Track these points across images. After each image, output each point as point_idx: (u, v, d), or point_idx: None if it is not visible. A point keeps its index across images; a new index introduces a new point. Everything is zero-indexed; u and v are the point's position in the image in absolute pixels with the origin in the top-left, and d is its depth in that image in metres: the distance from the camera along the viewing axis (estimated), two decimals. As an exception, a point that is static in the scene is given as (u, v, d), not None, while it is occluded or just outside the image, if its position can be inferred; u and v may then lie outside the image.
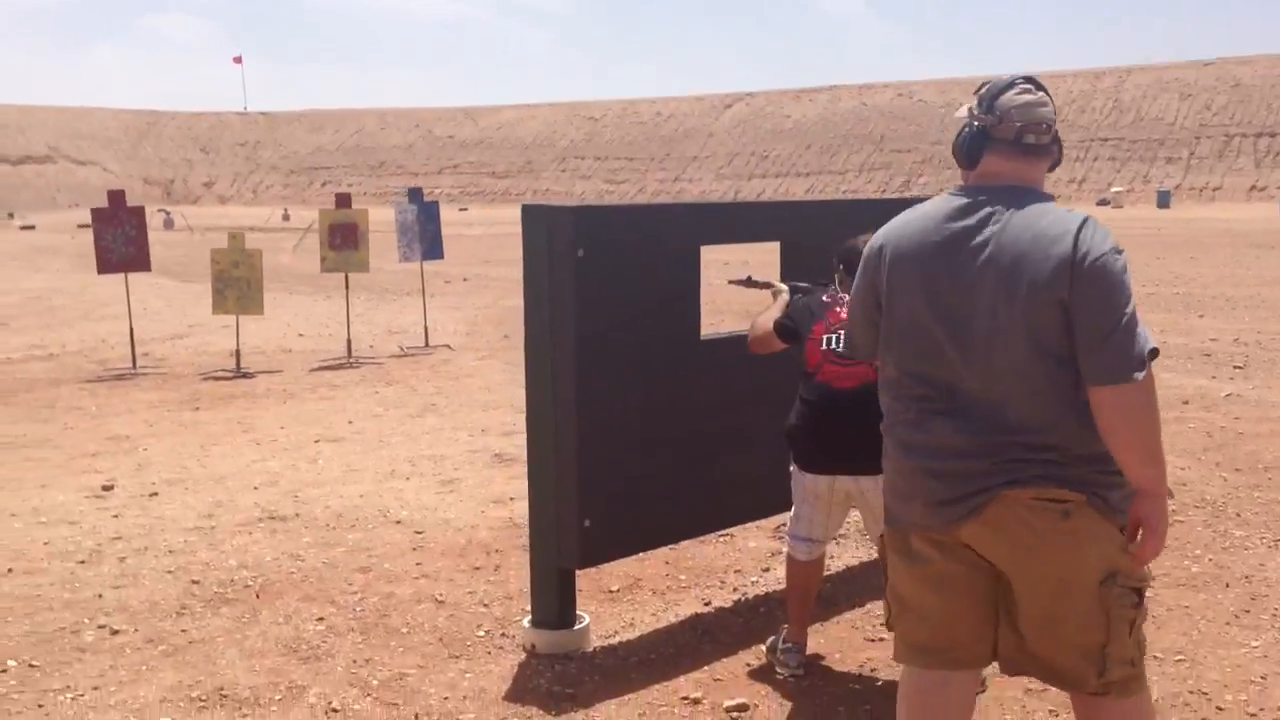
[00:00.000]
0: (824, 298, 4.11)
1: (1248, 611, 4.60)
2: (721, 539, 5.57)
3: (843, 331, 3.82)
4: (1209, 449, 7.32)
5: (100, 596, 4.94)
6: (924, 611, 2.77)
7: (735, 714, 3.78)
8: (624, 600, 4.88)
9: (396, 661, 4.24)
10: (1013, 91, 2.73)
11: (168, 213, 51.40)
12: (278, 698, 3.94)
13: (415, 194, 13.02)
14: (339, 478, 7.05)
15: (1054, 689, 3.79)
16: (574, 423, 4.11)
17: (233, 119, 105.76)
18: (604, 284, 4.11)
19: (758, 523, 5.42)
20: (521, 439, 7.97)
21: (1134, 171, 65.71)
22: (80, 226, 42.66)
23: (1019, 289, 2.56)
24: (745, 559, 5.38)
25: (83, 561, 5.42)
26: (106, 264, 11.44)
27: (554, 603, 4.30)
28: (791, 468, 4.09)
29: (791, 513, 4.16)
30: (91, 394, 10.21)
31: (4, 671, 4.16)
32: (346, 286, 13.07)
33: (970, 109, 2.79)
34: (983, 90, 2.80)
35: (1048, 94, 2.81)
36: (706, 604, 4.83)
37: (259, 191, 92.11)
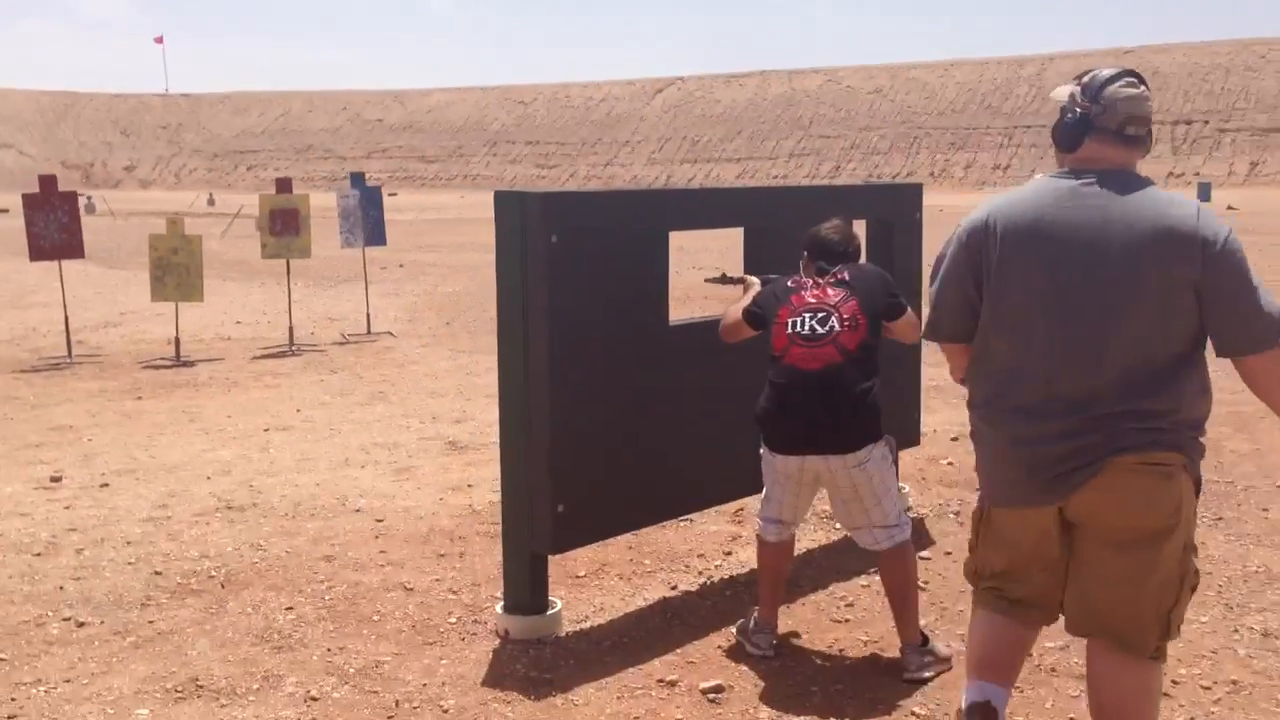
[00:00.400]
0: (789, 283, 4.18)
1: (1193, 588, 4.75)
2: (681, 524, 5.63)
3: (807, 315, 3.99)
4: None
5: (61, 589, 4.89)
6: (1017, 577, 3.02)
7: (712, 695, 3.85)
8: (591, 585, 4.93)
9: (371, 649, 4.26)
10: (1119, 84, 2.91)
11: (89, 197, 49.92)
12: (255, 687, 3.94)
13: (357, 179, 12.87)
14: (293, 466, 7.01)
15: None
16: (547, 408, 4.15)
17: (154, 101, 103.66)
18: (577, 269, 4.15)
19: (717, 508, 5.51)
20: (473, 426, 8.06)
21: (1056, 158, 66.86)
22: (-1, 211, 41.62)
23: (1145, 268, 2.75)
24: (706, 543, 5.46)
25: (39, 554, 5.35)
26: (39, 251, 11.21)
27: (526, 588, 4.34)
28: (761, 450, 4.14)
29: (762, 495, 4.24)
30: (28, 383, 10.02)
31: (-29, 665, 4.11)
32: (288, 273, 12.93)
33: (1072, 94, 2.95)
34: (1087, 78, 2.96)
35: (1148, 89, 3.00)
36: (673, 588, 4.90)
37: (181, 175, 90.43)
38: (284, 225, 11.90)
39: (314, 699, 3.85)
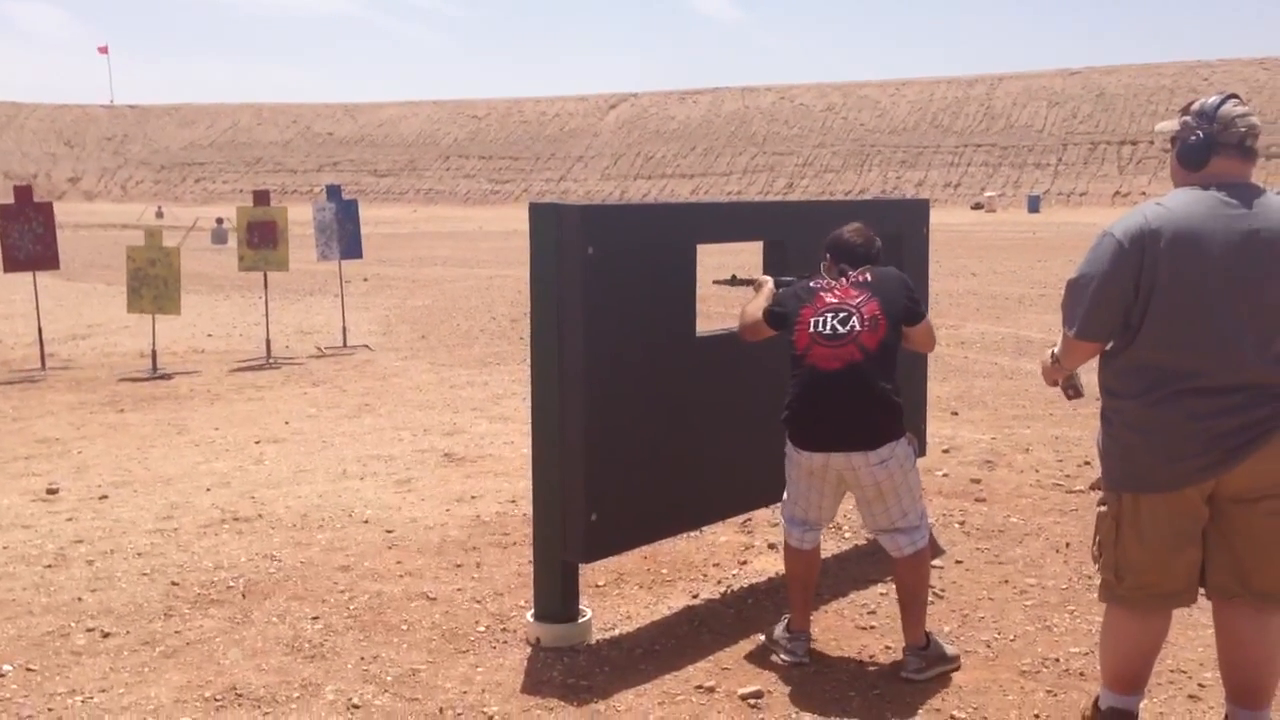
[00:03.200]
0: (811, 284, 4.27)
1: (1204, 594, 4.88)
2: (691, 534, 5.69)
3: (829, 314, 4.07)
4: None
5: (80, 600, 4.85)
6: (1162, 568, 3.27)
7: (752, 700, 3.91)
8: (613, 594, 4.97)
9: (404, 658, 4.27)
10: (1230, 104, 3.27)
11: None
12: (295, 695, 3.94)
13: (334, 191, 12.81)
14: (290, 478, 6.98)
15: (1046, 670, 4.04)
16: (582, 417, 4.19)
17: (99, 112, 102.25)
18: (611, 281, 4.20)
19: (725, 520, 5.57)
20: (466, 439, 8.07)
21: (1005, 176, 67.78)
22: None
23: None
24: (720, 553, 5.52)
25: (50, 566, 5.30)
26: (13, 262, 11.08)
27: (558, 597, 4.37)
28: (787, 449, 4.19)
29: (786, 494, 4.28)
30: (3, 396, 9.89)
31: (1, 676, 4.08)
32: (265, 286, 12.85)
33: (1185, 122, 3.30)
34: (1197, 106, 3.31)
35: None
36: (694, 596, 4.95)
37: (128, 187, 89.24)
38: (261, 238, 11.83)
39: (355, 707, 3.86)
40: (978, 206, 59.45)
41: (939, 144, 71.02)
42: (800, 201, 5.02)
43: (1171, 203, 3.23)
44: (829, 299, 4.14)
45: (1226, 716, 3.48)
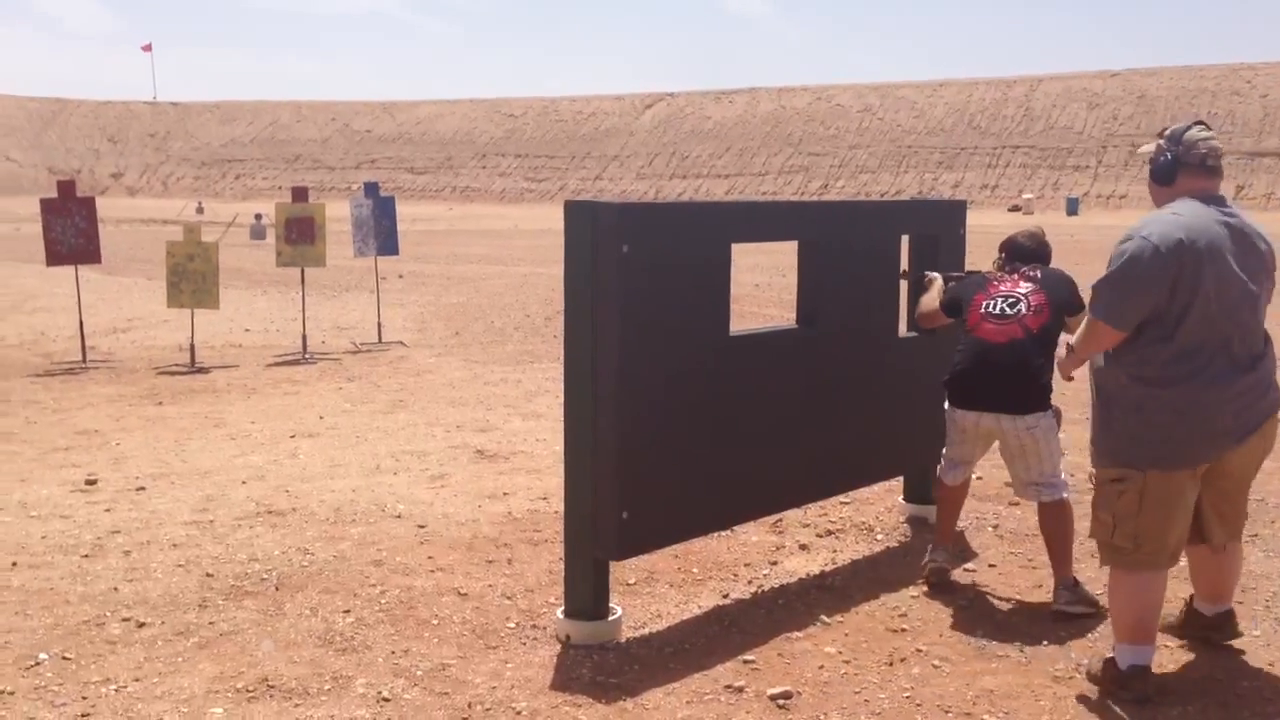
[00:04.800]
0: (985, 275, 5.05)
1: (1240, 603, 4.82)
2: (722, 534, 5.68)
3: (1000, 299, 4.81)
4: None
5: (116, 590, 4.90)
6: (1174, 531, 3.82)
7: (781, 701, 3.89)
8: (643, 593, 4.97)
9: (434, 652, 4.28)
10: (1196, 129, 3.87)
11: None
12: (326, 688, 3.96)
13: (371, 188, 12.88)
14: (325, 472, 7.03)
15: (1079, 676, 4.01)
16: (615, 415, 4.19)
17: (141, 108, 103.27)
18: (646, 279, 4.20)
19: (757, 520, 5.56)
20: (498, 435, 8.10)
21: (1044, 179, 67.23)
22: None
23: (1268, 266, 3.85)
24: (751, 553, 5.50)
25: (87, 555, 5.36)
26: (56, 256, 11.21)
27: (589, 594, 4.38)
28: (946, 406, 4.89)
29: (945, 444, 5.02)
30: (45, 388, 10.01)
31: (37, 664, 4.13)
32: (303, 281, 12.94)
33: (1159, 144, 3.91)
34: (1168, 131, 3.93)
35: (1213, 131, 3.97)
36: (725, 596, 4.94)
37: (169, 184, 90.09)
38: (299, 234, 11.92)
39: (386, 700, 3.88)
40: (1015, 209, 58.96)
41: (976, 145, 70.54)
42: (835, 201, 5.00)
43: (1187, 213, 3.75)
44: (1001, 288, 4.86)
45: (1193, 606, 4.29)
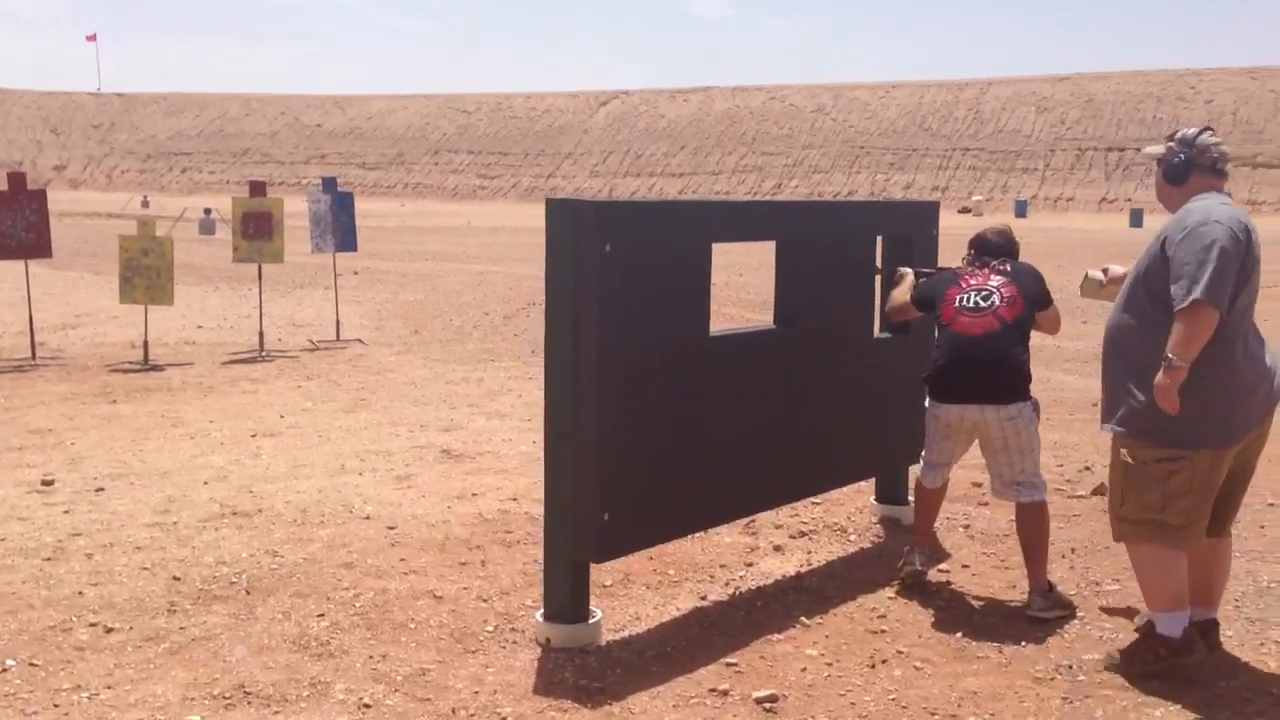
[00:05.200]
0: (956, 270, 5.06)
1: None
2: (696, 535, 5.65)
3: (972, 293, 4.84)
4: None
5: (81, 594, 4.78)
6: (1211, 506, 4.04)
7: (766, 704, 3.87)
8: (620, 595, 4.93)
9: (413, 657, 4.22)
10: (1206, 134, 4.13)
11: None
12: (305, 694, 3.89)
13: (329, 184, 12.73)
14: (288, 473, 6.92)
15: (1060, 677, 4.03)
16: (596, 415, 4.14)
17: (85, 99, 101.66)
18: (628, 278, 4.16)
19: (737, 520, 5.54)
20: (464, 435, 8.02)
21: (993, 181, 67.96)
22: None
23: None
24: (725, 554, 5.48)
25: (48, 559, 5.23)
26: (5, 250, 10.96)
27: (569, 597, 4.33)
28: (927, 404, 4.90)
29: (925, 445, 5.03)
30: (-6, 385, 9.78)
31: (4, 670, 4.02)
32: (260, 277, 12.76)
33: (1169, 147, 4.14)
34: (1179, 134, 4.16)
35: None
36: (703, 598, 4.91)
37: (113, 177, 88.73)
38: (257, 229, 11.75)
39: (366, 706, 3.81)
40: (965, 210, 59.50)
41: (928, 147, 71.17)
42: (814, 201, 4.99)
43: (1222, 205, 3.98)
44: (973, 281, 4.90)
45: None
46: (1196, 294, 3.77)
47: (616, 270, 4.11)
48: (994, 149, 70.11)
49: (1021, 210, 59.57)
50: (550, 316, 4.24)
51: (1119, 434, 4.08)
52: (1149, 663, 4.05)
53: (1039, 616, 4.64)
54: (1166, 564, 4.03)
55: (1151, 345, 3.91)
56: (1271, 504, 6.34)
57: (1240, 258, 3.88)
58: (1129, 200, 61.03)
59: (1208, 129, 4.19)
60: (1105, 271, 5.00)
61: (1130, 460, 4.04)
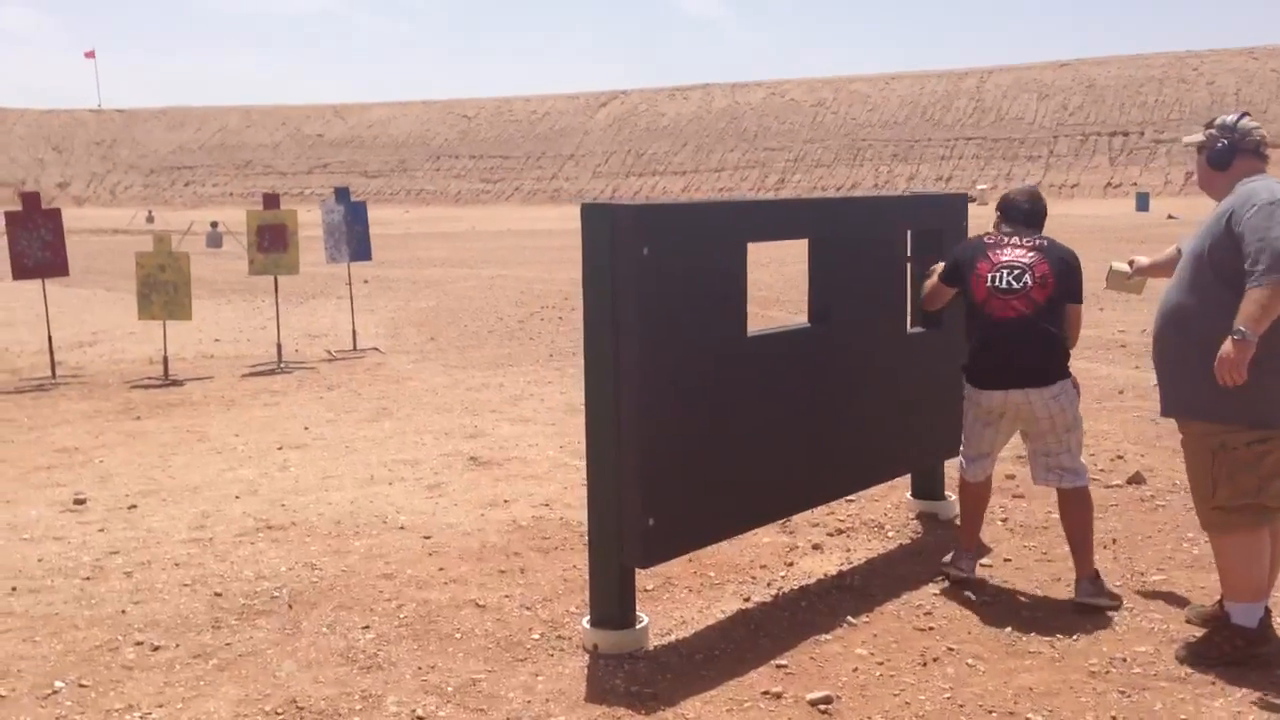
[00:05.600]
0: (985, 238, 4.90)
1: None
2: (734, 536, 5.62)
3: (1004, 270, 4.72)
4: (1160, 436, 7.64)
5: (124, 612, 4.77)
6: None
7: (821, 706, 3.85)
8: (663, 599, 4.91)
9: (462, 667, 4.20)
10: (1246, 119, 4.20)
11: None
12: (357, 708, 3.87)
13: (343, 193, 12.70)
14: (318, 484, 6.91)
15: (1115, 670, 4.00)
16: (638, 420, 4.12)
17: (87, 116, 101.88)
18: (666, 281, 4.14)
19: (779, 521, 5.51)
20: (489, 442, 8.01)
21: (997, 169, 67.82)
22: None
23: None
24: (764, 554, 5.46)
25: (88, 578, 5.22)
26: (22, 269, 10.97)
27: (616, 602, 4.31)
28: (966, 392, 4.86)
29: (963, 437, 4.96)
30: (16, 405, 9.79)
31: (55, 693, 4.01)
32: (276, 289, 12.76)
33: (1210, 134, 4.20)
34: (1218, 121, 4.22)
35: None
36: (746, 599, 4.89)
37: (117, 192, 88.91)
38: (271, 241, 11.74)
39: (420, 718, 3.80)
40: (970, 199, 59.44)
41: (930, 137, 71.06)
42: (845, 197, 4.96)
43: (1272, 181, 4.02)
44: (1004, 257, 4.78)
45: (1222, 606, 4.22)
46: (1273, 275, 3.75)
47: (655, 273, 4.09)
48: (997, 137, 69.99)
49: (1026, 198, 59.35)
50: (589, 322, 4.22)
51: (1203, 421, 4.04)
52: (1226, 654, 4.03)
53: (1088, 603, 4.62)
54: (1257, 554, 4.03)
55: (1224, 326, 3.85)
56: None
57: None
58: (1134, 184, 60.88)
59: (1245, 114, 4.23)
60: (1131, 263, 4.99)
61: (1220, 447, 4.00)
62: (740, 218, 4.55)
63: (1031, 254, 4.77)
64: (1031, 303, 4.66)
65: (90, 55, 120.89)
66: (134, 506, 6.44)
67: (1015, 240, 4.84)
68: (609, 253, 4.11)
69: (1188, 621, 4.46)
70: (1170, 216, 40.42)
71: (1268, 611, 4.15)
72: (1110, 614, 4.59)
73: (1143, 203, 51.58)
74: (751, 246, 4.55)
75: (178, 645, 4.42)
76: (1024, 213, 4.98)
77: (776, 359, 4.67)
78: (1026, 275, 4.70)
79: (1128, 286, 5.03)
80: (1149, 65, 72.02)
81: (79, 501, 6.53)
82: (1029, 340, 4.64)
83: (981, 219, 5.52)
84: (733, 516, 4.60)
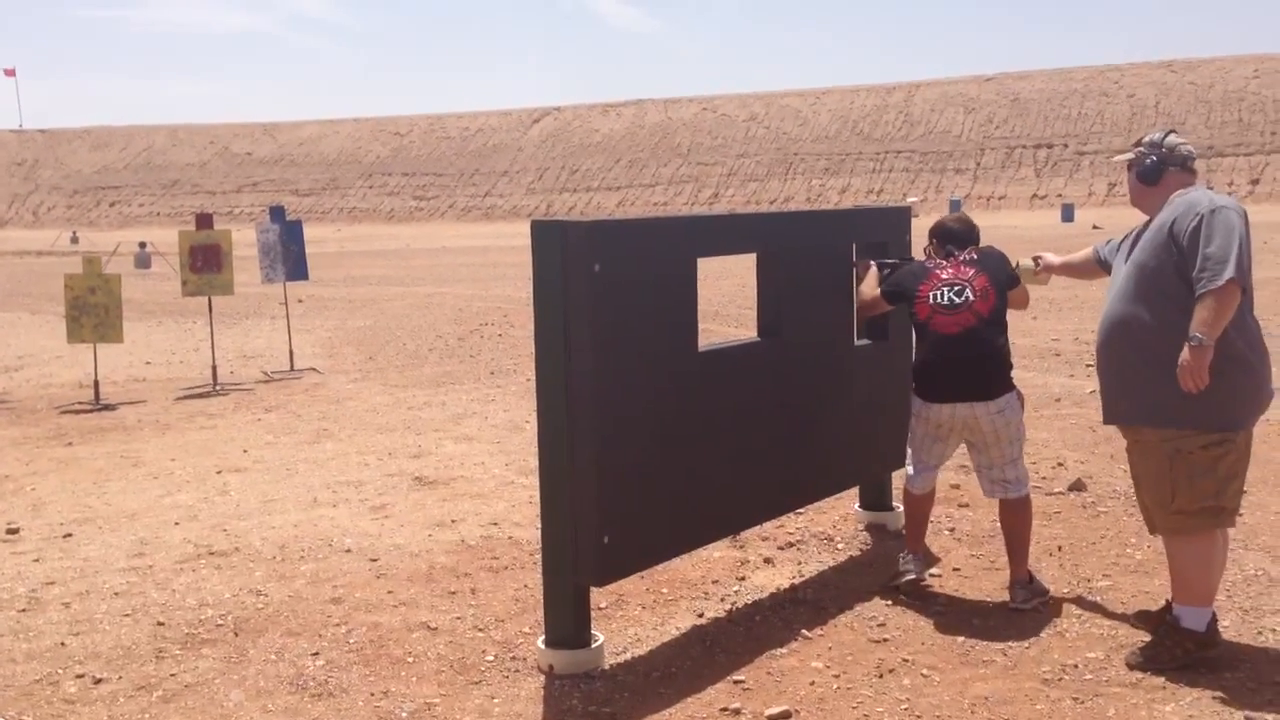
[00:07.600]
0: (925, 264, 5.04)
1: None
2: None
3: (945, 288, 4.83)
4: (1098, 443, 7.75)
5: (63, 644, 4.64)
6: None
7: (780, 721, 3.84)
8: (617, 617, 4.87)
9: (415, 692, 4.14)
10: (1173, 136, 4.30)
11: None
12: (310, 737, 3.79)
13: (277, 212, 12.56)
14: (260, 508, 6.79)
15: (1068, 677, 4.03)
16: (592, 437, 4.09)
17: (7, 136, 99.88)
18: (618, 297, 4.12)
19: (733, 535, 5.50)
20: (434, 461, 7.92)
21: (926, 181, 68.81)
22: None
23: None
24: (716, 569, 5.44)
25: (24, 610, 5.07)
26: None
27: (570, 622, 4.27)
28: (914, 406, 4.93)
29: (908, 453, 5.03)
30: (-58, 432, 9.52)
31: (-6, 731, 3.88)
32: (210, 310, 12.55)
33: (1139, 151, 4.31)
34: (1145, 139, 4.34)
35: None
36: (700, 615, 4.87)
37: (40, 213, 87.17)
38: (205, 262, 11.55)
39: (375, 746, 3.73)
40: (915, 215, 60.17)
41: (860, 151, 71.90)
42: (793, 212, 4.99)
43: (1212, 194, 4.14)
44: (943, 275, 4.89)
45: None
46: (1229, 273, 3.83)
47: (606, 289, 4.07)
48: (925, 150, 70.99)
49: (956, 209, 60.26)
50: (540, 339, 4.19)
51: (1156, 428, 4.08)
52: (1177, 658, 4.08)
53: (1021, 609, 4.73)
54: (1213, 558, 4.12)
55: (1173, 333, 3.93)
56: (1245, 491, 6.41)
57: (1248, 237, 3.98)
58: (1059, 196, 62.02)
59: (1172, 131, 4.35)
60: (1037, 260, 5.14)
61: (1176, 452, 4.05)
62: (690, 233, 4.55)
63: (969, 268, 4.88)
64: (976, 315, 4.76)
65: (10, 73, 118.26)
66: (69, 535, 6.27)
67: (954, 258, 4.97)
68: (560, 269, 4.08)
69: (1133, 625, 4.51)
70: (1095, 227, 41.24)
71: (1214, 615, 4.21)
72: (1059, 620, 4.64)
73: (1068, 213, 52.62)
74: (700, 263, 4.55)
75: (120, 677, 4.30)
76: (958, 235, 5.10)
77: (728, 373, 4.66)
78: (968, 290, 4.80)
79: (1034, 282, 5.26)
80: (1071, 79, 73.50)
81: (11, 531, 6.35)
82: (973, 354, 4.73)
83: (914, 231, 5.60)
84: (688, 532, 4.59)
